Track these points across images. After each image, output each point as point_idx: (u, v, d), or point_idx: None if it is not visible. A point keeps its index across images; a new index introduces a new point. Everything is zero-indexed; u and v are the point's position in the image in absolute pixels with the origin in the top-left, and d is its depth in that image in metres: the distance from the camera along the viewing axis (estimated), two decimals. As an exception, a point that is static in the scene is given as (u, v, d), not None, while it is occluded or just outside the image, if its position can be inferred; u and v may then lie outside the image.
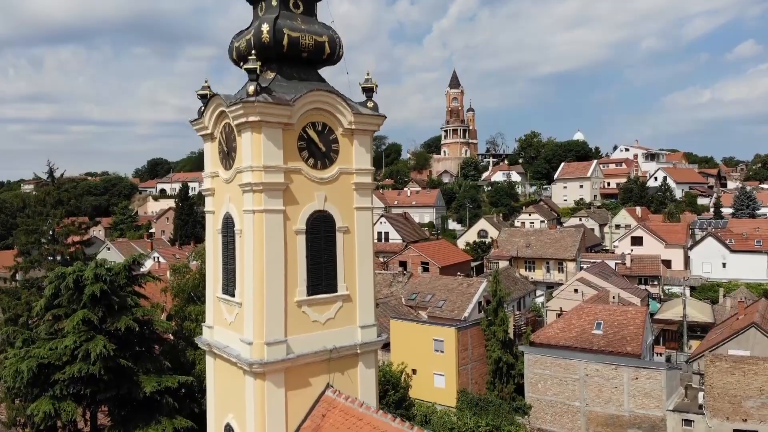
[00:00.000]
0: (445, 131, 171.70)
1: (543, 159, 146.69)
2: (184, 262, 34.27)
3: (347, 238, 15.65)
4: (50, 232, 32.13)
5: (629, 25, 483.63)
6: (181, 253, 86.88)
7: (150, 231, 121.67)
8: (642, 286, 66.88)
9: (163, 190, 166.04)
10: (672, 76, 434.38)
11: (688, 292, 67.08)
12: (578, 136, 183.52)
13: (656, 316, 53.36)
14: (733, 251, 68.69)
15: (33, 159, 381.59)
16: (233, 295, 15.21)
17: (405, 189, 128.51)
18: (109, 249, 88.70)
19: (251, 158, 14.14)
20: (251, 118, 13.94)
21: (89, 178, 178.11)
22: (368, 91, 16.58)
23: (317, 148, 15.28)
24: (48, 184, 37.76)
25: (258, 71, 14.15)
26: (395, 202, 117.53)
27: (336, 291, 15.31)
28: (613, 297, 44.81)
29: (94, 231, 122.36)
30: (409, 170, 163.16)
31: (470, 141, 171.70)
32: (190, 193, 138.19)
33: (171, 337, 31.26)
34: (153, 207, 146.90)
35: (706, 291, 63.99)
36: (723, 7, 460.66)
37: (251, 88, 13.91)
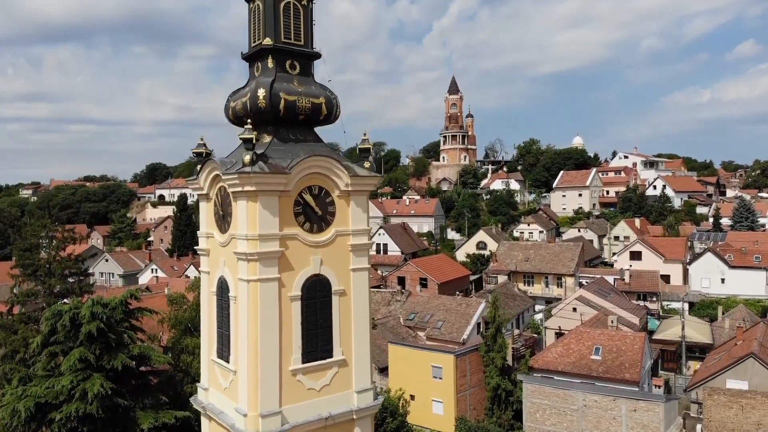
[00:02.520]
0: (444, 137, 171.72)
1: (542, 167, 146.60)
2: (181, 292, 34.07)
3: (343, 300, 15.55)
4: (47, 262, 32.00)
5: (629, 25, 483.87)
6: (179, 264, 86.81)
7: (148, 239, 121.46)
8: (641, 302, 66.86)
9: (161, 196, 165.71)
10: (672, 76, 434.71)
11: (686, 308, 67.07)
12: (577, 141, 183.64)
13: (655, 336, 53.23)
14: (732, 267, 68.59)
15: (32, 158, 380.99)
16: (228, 361, 15.10)
17: (404, 198, 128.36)
18: (107, 260, 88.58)
19: (246, 227, 14.04)
20: (247, 188, 13.85)
21: (87, 184, 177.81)
22: (364, 152, 16.51)
23: (313, 212, 15.18)
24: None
25: (254, 140, 14.05)
26: (394, 211, 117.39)
27: (332, 356, 15.21)
28: (612, 321, 44.71)
29: (93, 239, 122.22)
30: (408, 177, 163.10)
31: (469, 147, 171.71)
32: (189, 201, 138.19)
33: (168, 365, 31.14)
34: (152, 214, 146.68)
35: (705, 308, 63.86)
36: (723, 7, 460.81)
37: (247, 158, 13.81)
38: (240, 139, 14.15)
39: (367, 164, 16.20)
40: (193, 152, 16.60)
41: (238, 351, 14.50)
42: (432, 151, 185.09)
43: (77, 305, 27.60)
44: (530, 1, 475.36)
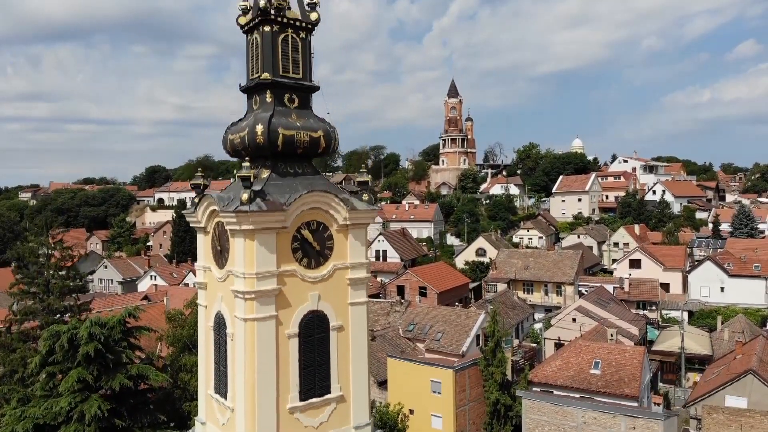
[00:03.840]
0: (444, 140, 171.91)
1: (541, 171, 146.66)
2: (180, 309, 34.01)
3: (341, 335, 15.46)
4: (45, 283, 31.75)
5: (629, 25, 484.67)
6: (179, 271, 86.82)
7: (148, 244, 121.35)
8: (640, 311, 66.84)
9: (161, 200, 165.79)
10: (672, 76, 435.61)
11: (686, 317, 67.05)
12: (576, 143, 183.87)
13: (654, 347, 53.24)
14: (731, 276, 68.60)
15: (31, 158, 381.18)
16: (225, 397, 15.00)
17: (403, 203, 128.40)
18: (106, 267, 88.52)
19: (244, 265, 13.95)
20: (244, 227, 13.77)
21: (86, 187, 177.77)
22: (363, 184, 16.44)
23: (311, 247, 15.08)
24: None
25: (252, 178, 13.98)
26: (393, 217, 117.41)
27: (329, 393, 15.10)
28: (611, 335, 44.68)
29: (92, 244, 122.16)
30: (408, 181, 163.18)
31: (468, 150, 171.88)
32: (189, 205, 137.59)
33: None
34: (151, 218, 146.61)
35: (705, 317, 63.88)
36: (723, 7, 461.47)
37: (245, 196, 13.72)
38: (238, 177, 14.08)
39: (365, 197, 16.11)
40: (191, 184, 16.55)
41: (235, 388, 14.41)
42: (431, 154, 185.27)
43: (75, 325, 27.57)
44: (530, 0, 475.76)
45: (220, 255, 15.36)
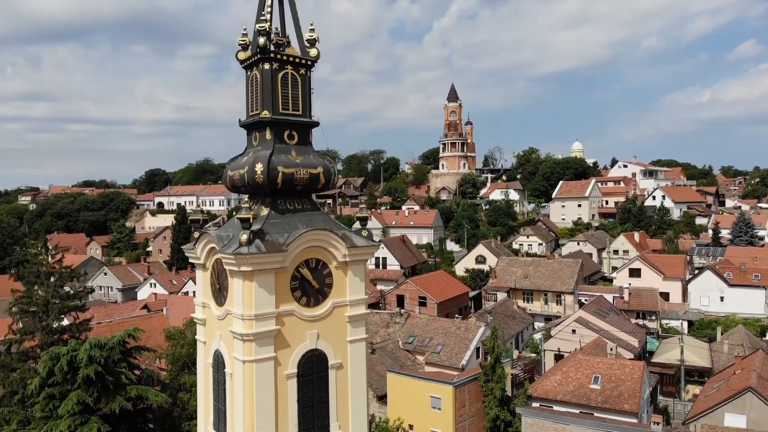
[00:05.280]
0: (444, 144, 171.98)
1: (541, 176, 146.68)
2: (179, 327, 33.96)
3: (340, 373, 15.43)
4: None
5: (630, 25, 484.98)
6: (178, 278, 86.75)
7: (147, 249, 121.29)
8: (640, 321, 66.83)
9: (160, 204, 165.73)
10: (672, 76, 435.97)
11: (686, 327, 67.05)
12: (576, 146, 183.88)
13: (654, 359, 53.18)
14: (731, 285, 68.54)
15: (30, 158, 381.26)
16: (224, 437, 15.00)
17: (403, 208, 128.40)
18: (105, 274, 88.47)
19: (242, 306, 13.93)
20: (243, 268, 13.76)
21: (86, 191, 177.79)
22: (362, 220, 16.44)
23: (310, 285, 15.07)
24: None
25: (251, 220, 13.97)
26: (393, 222, 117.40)
27: (329, 432, 15.11)
28: (611, 349, 44.66)
29: (91, 250, 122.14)
30: (407, 186, 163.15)
31: (468, 154, 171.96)
32: (188, 208, 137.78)
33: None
34: (151, 222, 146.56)
35: (704, 328, 63.81)
36: (724, 7, 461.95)
37: (244, 237, 13.72)
38: (237, 219, 14.06)
39: (365, 233, 16.12)
40: (191, 219, 16.53)
41: (234, 428, 14.40)
42: (431, 158, 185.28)
43: (75, 347, 27.57)
44: (531, 0, 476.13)
45: (219, 293, 15.34)
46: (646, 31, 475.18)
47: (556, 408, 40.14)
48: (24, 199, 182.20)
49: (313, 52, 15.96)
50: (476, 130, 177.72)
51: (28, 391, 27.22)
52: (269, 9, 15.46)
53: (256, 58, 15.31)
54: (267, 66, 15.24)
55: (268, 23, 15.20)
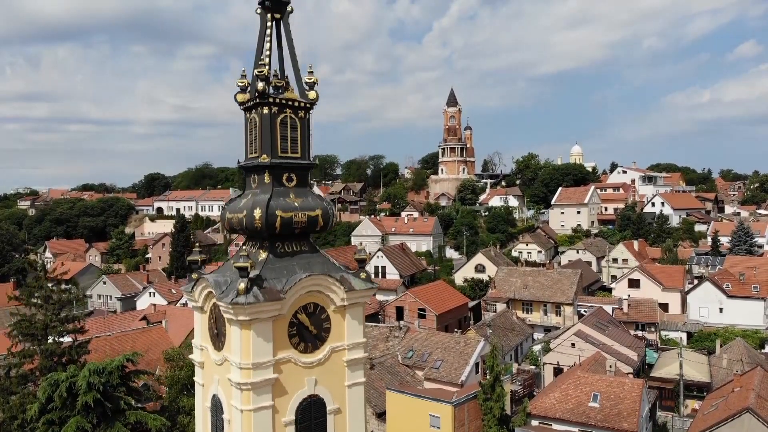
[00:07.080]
0: (443, 149, 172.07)
1: (540, 182, 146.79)
2: (178, 349, 33.88)
3: (338, 418, 15.38)
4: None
5: (630, 25, 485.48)
6: (177, 287, 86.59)
7: (146, 256, 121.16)
8: (639, 332, 66.80)
9: (160, 209, 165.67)
10: (672, 76, 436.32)
11: (685, 338, 67.01)
12: (576, 150, 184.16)
13: (653, 374, 53.16)
14: (730, 296, 68.57)
15: (30, 158, 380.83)
16: (222, 482, 14.95)
17: (402, 215, 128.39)
18: (105, 283, 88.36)
19: (240, 355, 13.88)
20: (241, 318, 13.72)
21: (85, 195, 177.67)
22: (361, 262, 16.41)
23: (308, 331, 15.02)
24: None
25: (249, 268, 13.93)
26: (392, 230, 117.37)
27: (326, 478, 15.05)
28: (610, 366, 44.60)
29: (91, 257, 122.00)
30: (407, 191, 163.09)
31: (468, 159, 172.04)
32: (188, 215, 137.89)
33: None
34: (150, 228, 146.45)
35: (703, 340, 63.81)
36: (724, 7, 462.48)
37: (242, 286, 13.67)
38: (235, 267, 14.02)
39: (363, 275, 16.07)
40: (189, 260, 16.49)
41: (232, 476, 14.36)
42: (431, 162, 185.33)
43: (74, 373, 27.50)
44: (531, 1, 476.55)
45: (217, 338, 15.29)
46: (646, 31, 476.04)
47: (555, 426, 40.13)
48: (23, 204, 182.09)
49: (312, 94, 15.91)
50: (475, 133, 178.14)
51: (28, 416, 27.14)
52: (268, 53, 15.43)
53: (254, 102, 15.28)
54: (266, 110, 15.18)
55: (267, 67, 15.18)
